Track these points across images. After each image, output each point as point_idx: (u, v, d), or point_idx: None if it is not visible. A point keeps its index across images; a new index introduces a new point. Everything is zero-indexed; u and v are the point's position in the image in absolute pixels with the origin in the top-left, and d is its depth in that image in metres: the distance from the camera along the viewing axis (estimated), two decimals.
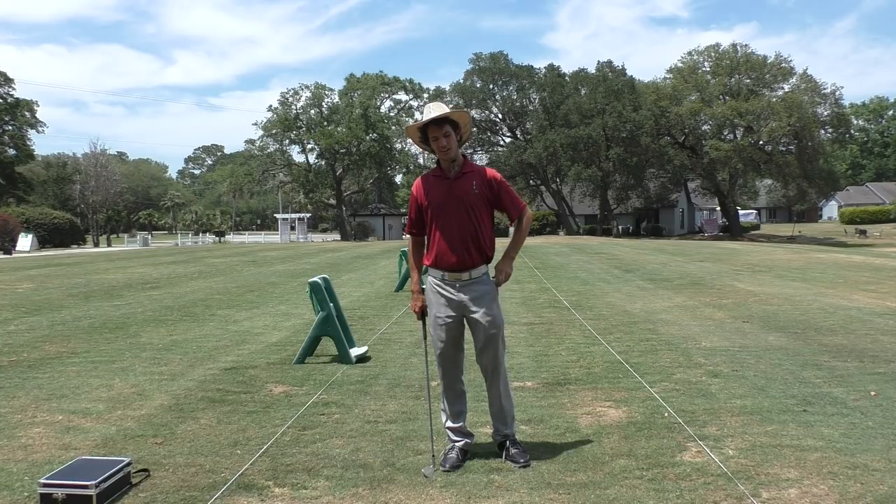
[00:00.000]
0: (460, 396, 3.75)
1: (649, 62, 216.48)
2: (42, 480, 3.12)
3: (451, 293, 3.61)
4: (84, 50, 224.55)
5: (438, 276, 3.64)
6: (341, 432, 4.13)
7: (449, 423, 3.72)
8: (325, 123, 52.06)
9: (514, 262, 3.69)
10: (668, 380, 5.31)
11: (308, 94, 52.98)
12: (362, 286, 13.29)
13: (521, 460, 3.54)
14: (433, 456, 3.58)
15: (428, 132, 3.56)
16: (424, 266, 3.75)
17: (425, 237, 3.73)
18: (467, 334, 3.71)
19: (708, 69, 49.11)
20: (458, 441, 3.66)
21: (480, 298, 3.60)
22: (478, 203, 3.58)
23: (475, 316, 3.60)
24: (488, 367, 3.69)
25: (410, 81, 56.83)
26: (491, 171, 3.70)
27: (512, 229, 3.83)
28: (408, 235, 3.77)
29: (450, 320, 3.62)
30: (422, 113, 3.68)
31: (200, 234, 62.30)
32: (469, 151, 47.54)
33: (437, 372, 3.77)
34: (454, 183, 3.59)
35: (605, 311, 9.23)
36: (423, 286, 3.77)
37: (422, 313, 3.75)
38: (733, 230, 48.02)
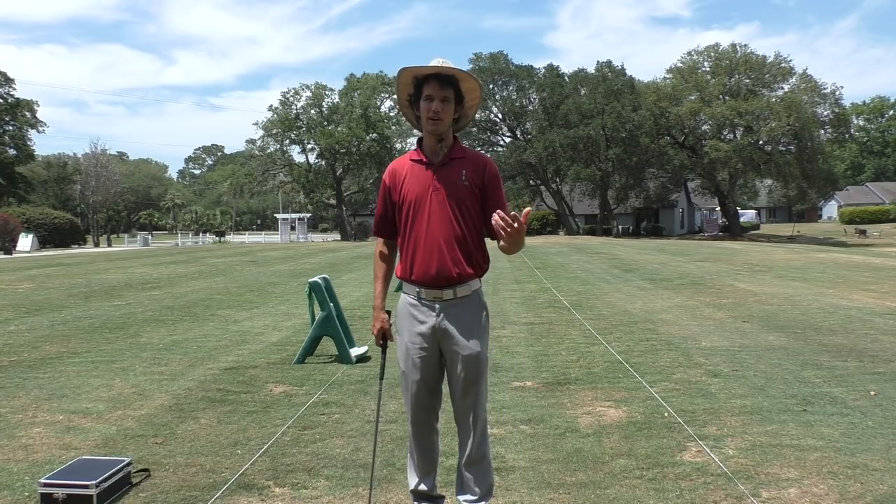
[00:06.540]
0: (434, 444, 2.91)
1: (651, 62, 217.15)
2: (42, 480, 3.12)
3: (428, 316, 2.74)
4: (84, 50, 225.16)
5: (413, 293, 2.77)
6: (341, 432, 4.13)
7: (418, 486, 2.88)
8: (326, 123, 52.10)
9: (514, 257, 2.80)
10: (668, 380, 5.31)
11: (308, 94, 53.07)
12: (362, 286, 13.29)
13: None
14: None
15: (423, 87, 2.69)
16: (399, 281, 2.86)
17: (398, 241, 2.87)
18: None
19: (707, 69, 49.10)
20: None
21: (466, 327, 2.73)
22: (467, 198, 2.72)
23: (455, 349, 2.72)
24: (465, 416, 2.80)
25: None
26: (487, 161, 2.83)
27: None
28: (378, 238, 2.97)
29: (424, 353, 2.75)
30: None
31: (200, 234, 62.29)
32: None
33: (407, 417, 2.89)
34: (439, 171, 2.73)
35: (605, 311, 9.24)
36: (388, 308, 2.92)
37: (382, 337, 2.87)
38: (733, 230, 48.03)
